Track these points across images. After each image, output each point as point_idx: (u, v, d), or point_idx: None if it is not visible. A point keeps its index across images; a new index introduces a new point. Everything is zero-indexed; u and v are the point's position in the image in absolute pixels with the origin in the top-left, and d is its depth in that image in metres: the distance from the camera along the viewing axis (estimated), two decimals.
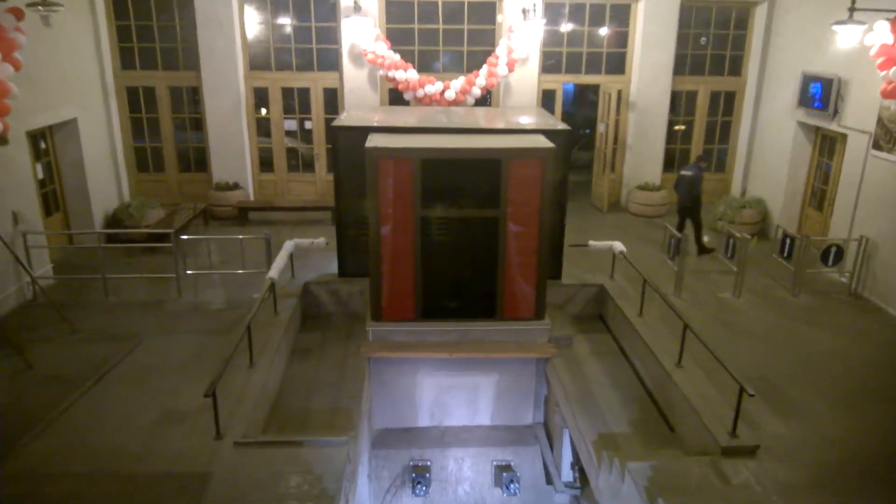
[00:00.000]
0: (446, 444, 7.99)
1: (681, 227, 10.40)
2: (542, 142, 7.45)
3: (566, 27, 12.89)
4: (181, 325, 7.73)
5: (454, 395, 8.10)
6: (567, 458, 7.35)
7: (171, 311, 8.18)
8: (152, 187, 13.22)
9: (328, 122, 12.34)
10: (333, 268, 8.73)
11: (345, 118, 8.88)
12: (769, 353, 7.26)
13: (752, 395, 5.28)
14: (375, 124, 8.40)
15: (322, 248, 8.69)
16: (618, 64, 13.29)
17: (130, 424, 5.73)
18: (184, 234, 9.65)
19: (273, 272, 7.37)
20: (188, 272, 8.65)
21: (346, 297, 8.60)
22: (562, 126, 8.53)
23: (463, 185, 7.62)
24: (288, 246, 8.27)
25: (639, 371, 7.27)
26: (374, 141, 7.22)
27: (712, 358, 5.82)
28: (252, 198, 13.02)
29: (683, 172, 10.73)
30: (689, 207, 10.55)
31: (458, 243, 7.84)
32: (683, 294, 8.92)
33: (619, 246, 8.60)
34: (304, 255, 9.10)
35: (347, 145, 8.13)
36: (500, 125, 9.09)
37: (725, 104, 13.70)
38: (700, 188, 10.51)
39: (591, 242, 8.83)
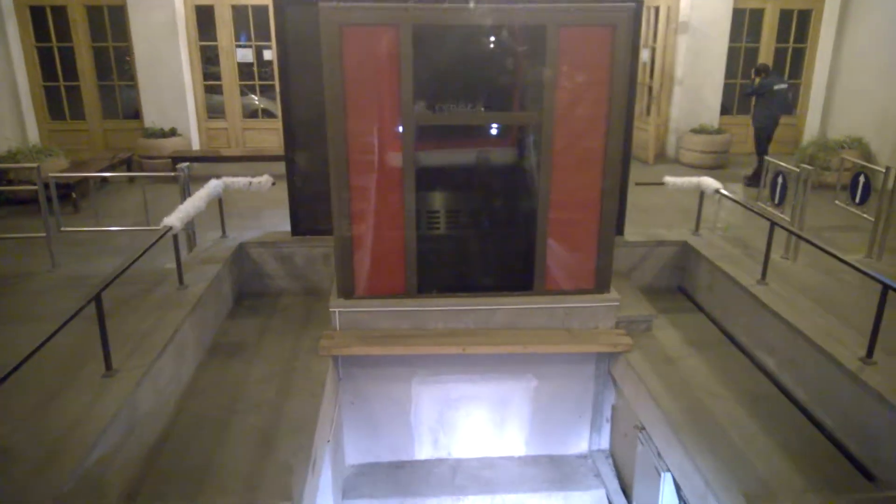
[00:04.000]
0: (459, 488, 5.16)
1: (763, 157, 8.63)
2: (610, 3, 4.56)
3: None
4: (44, 308, 4.84)
5: (469, 413, 5.27)
6: None
7: (35, 288, 5.30)
8: (70, 139, 10.29)
9: None
10: (285, 224, 5.84)
11: None
12: None
13: None
14: None
15: (268, 191, 5.80)
16: None
17: None
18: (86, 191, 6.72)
19: (174, 218, 4.47)
20: (64, 230, 5.71)
21: (304, 266, 5.73)
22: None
23: (481, 73, 4.78)
24: (212, 186, 5.38)
25: (776, 372, 4.42)
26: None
27: None
28: (197, 148, 10.10)
29: (780, 86, 9.02)
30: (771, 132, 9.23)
31: (473, 172, 4.99)
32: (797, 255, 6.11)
33: (711, 183, 5.73)
34: (242, 203, 6.24)
35: (300, 31, 5.26)
36: None
37: (798, 27, 10.84)
38: None
39: (669, 178, 5.96)
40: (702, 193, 5.94)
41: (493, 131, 5.06)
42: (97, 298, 3.42)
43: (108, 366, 3.52)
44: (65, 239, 6.01)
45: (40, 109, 10.15)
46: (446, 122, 4.67)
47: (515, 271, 5.02)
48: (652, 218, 7.52)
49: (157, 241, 4.18)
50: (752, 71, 9.45)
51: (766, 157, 6.82)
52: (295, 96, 5.44)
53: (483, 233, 5.14)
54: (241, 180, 5.63)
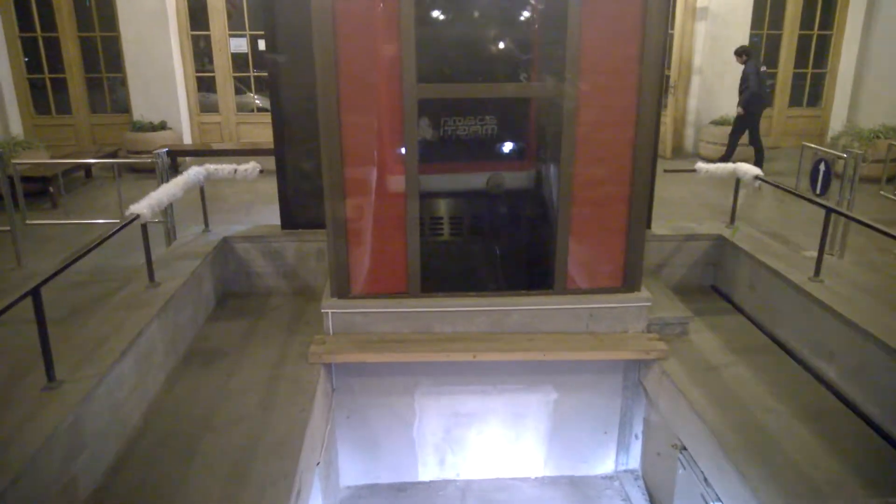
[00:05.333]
0: None
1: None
2: None
3: None
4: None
5: (480, 428, 4.67)
6: None
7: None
8: (56, 134, 9.77)
9: None
10: (276, 219, 5.27)
11: None
12: None
13: None
14: None
15: (258, 182, 5.23)
16: None
17: None
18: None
19: (143, 205, 3.88)
20: (29, 223, 5.14)
21: (295, 262, 5.15)
22: None
23: (494, 42, 4.23)
24: (192, 173, 4.80)
25: (839, 382, 3.81)
26: None
27: None
28: (189, 143, 9.55)
29: (764, 68, 9.47)
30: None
31: (483, 153, 4.42)
32: (843, 251, 5.52)
33: (749, 169, 5.13)
34: (233, 197, 5.66)
35: (290, 14, 4.72)
36: None
37: (824, 13, 10.24)
38: None
39: (701, 164, 5.36)
40: (737, 181, 5.33)
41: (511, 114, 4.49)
42: (34, 295, 2.83)
43: (51, 376, 2.93)
44: (33, 235, 5.47)
45: (24, 103, 9.64)
46: (453, 94, 4.08)
47: (533, 267, 4.43)
48: (675, 211, 6.96)
49: (117, 230, 3.59)
50: (739, 54, 9.12)
51: (805, 144, 6.24)
52: (286, 73, 4.88)
53: (496, 223, 4.55)
54: (226, 167, 5.05)
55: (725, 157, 9.32)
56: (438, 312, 4.26)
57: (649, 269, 5.12)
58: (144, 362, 3.53)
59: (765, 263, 4.60)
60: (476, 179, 4.59)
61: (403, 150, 3.94)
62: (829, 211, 4.21)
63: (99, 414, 3.01)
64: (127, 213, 3.78)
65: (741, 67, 9.93)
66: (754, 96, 8.77)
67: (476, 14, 4.36)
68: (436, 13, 4.30)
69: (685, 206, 6.99)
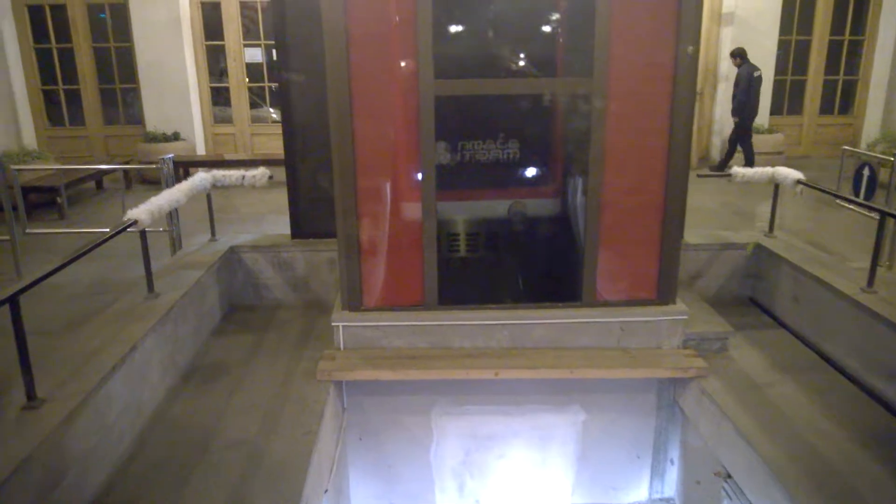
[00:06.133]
0: None
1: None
2: None
3: None
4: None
5: (502, 452, 4.33)
6: None
7: None
8: (69, 145, 9.66)
9: None
10: (280, 226, 5.02)
11: None
12: None
13: None
14: None
15: (267, 189, 4.98)
16: None
17: None
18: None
19: (141, 210, 3.63)
20: (29, 232, 4.93)
21: (305, 273, 4.88)
22: None
23: (515, 35, 3.96)
24: (198, 179, 4.56)
25: None
26: None
27: None
28: (202, 153, 9.38)
29: (758, 73, 8.74)
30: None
31: (505, 155, 4.14)
32: (892, 262, 5.14)
33: (790, 173, 4.78)
34: (245, 207, 5.42)
35: (301, 13, 4.51)
36: None
37: (855, 17, 9.88)
38: None
39: (737, 169, 5.03)
40: (776, 187, 4.99)
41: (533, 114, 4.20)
42: (12, 303, 2.57)
43: (31, 394, 2.66)
44: (37, 245, 5.25)
45: (38, 114, 9.54)
46: (472, 91, 3.80)
47: (559, 278, 4.11)
48: (705, 220, 6.61)
49: (110, 236, 3.33)
50: (733, 56, 8.96)
51: (846, 148, 5.88)
52: (297, 84, 4.65)
53: (519, 230, 4.25)
54: (234, 174, 4.81)
55: (724, 162, 9.43)
56: (457, 326, 3.96)
57: (683, 281, 4.78)
58: (138, 379, 3.25)
59: (811, 273, 4.24)
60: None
61: (420, 154, 3.67)
62: (885, 215, 3.85)
63: (84, 436, 2.74)
64: (124, 218, 3.53)
65: (769, 74, 9.61)
66: (741, 105, 8.63)
67: (496, 21, 4.09)
68: (453, 19, 4.03)
69: (715, 215, 6.65)
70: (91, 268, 4.91)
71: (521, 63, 4.03)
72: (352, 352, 3.96)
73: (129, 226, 3.46)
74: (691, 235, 5.03)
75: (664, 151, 3.75)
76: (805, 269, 4.31)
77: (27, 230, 4.88)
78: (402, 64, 3.61)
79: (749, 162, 8.68)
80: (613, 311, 4.00)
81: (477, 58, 4.09)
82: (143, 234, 3.69)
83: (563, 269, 4.27)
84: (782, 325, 4.55)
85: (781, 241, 4.91)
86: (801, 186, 4.70)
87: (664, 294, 4.03)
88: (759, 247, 4.81)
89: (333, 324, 3.95)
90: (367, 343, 3.98)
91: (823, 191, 4.58)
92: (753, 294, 5.00)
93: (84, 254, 3.06)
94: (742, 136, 8.93)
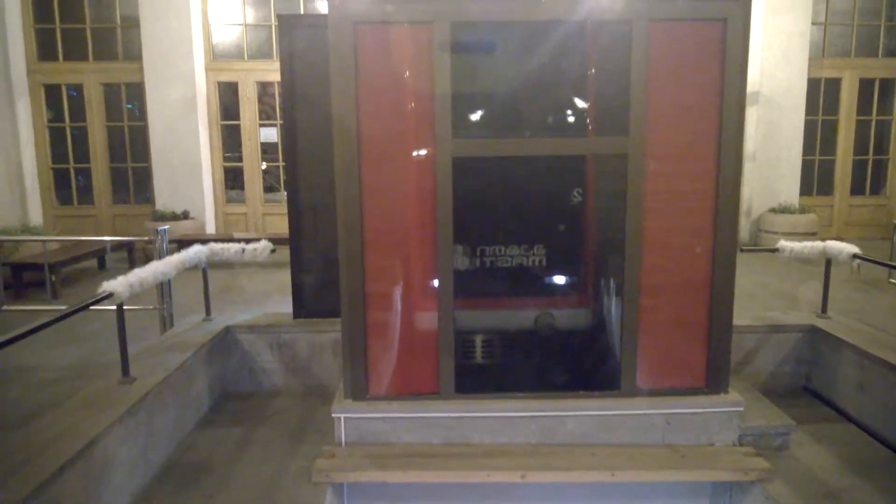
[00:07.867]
0: None
1: None
2: None
3: None
4: None
5: None
6: None
7: None
8: (77, 224, 9.45)
9: None
10: (285, 306, 4.60)
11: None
12: None
13: None
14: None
15: (265, 261, 4.59)
16: None
17: None
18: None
19: (119, 282, 3.23)
20: (6, 309, 4.54)
21: (307, 356, 4.40)
22: None
23: (542, 91, 3.64)
24: (192, 252, 4.18)
25: None
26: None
27: None
28: (213, 233, 9.11)
29: None
30: None
31: (532, 223, 3.74)
32: None
33: (844, 247, 4.32)
34: (251, 288, 5.02)
35: (309, 61, 4.27)
36: None
37: (881, 97, 9.67)
38: None
39: (784, 243, 4.57)
40: (828, 262, 4.52)
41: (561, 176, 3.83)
42: None
43: None
44: (13, 322, 4.84)
45: (47, 193, 9.40)
46: (494, 152, 3.44)
47: (595, 362, 3.60)
48: (745, 302, 6.09)
49: (77, 310, 2.92)
50: None
51: None
52: (303, 140, 4.35)
53: (547, 307, 3.79)
54: (233, 246, 4.44)
55: None
56: (477, 419, 3.42)
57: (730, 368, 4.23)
58: (96, 481, 2.74)
59: (879, 358, 3.70)
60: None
61: (435, 226, 3.27)
62: None
63: None
64: (98, 290, 3.12)
65: (796, 153, 9.34)
66: None
67: (524, 87, 3.79)
68: (469, 78, 3.75)
69: (754, 297, 6.15)
70: (72, 350, 4.48)
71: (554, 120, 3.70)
72: (355, 448, 3.42)
73: (103, 299, 3.04)
74: (736, 316, 4.52)
75: (711, 228, 3.33)
76: (872, 354, 3.77)
77: (3, 307, 4.49)
78: (414, 121, 3.27)
79: None
80: (657, 401, 3.46)
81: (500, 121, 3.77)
82: (119, 308, 3.27)
83: (599, 338, 3.76)
84: (845, 416, 3.97)
85: (839, 323, 4.39)
86: (858, 261, 4.23)
87: (714, 382, 3.49)
88: (818, 328, 4.28)
89: (334, 415, 3.44)
90: (373, 438, 3.45)
91: (884, 265, 4.10)
92: (809, 382, 4.43)
93: (31, 332, 2.62)
94: None
